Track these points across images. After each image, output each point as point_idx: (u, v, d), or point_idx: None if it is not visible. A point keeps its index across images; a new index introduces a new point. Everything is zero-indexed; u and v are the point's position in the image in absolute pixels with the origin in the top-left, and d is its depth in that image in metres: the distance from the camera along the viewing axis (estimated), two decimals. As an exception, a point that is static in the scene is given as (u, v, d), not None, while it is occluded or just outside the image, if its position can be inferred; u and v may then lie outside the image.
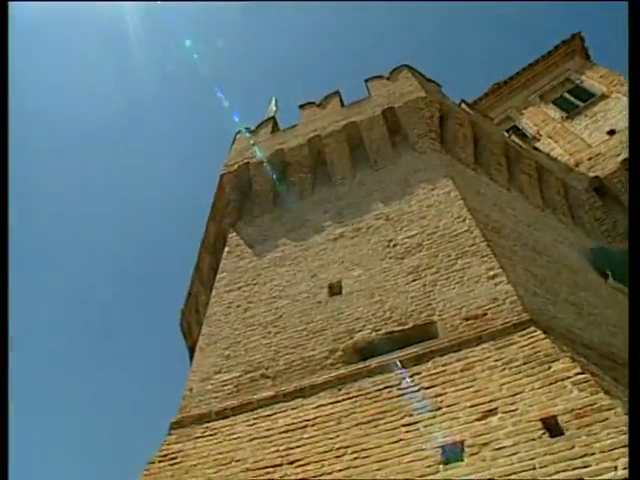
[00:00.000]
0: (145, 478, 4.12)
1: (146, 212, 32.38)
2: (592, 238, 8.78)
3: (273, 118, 10.77)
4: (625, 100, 11.39)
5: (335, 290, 5.96)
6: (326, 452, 3.65)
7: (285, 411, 4.36)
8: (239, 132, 10.61)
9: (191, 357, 7.38)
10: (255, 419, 4.41)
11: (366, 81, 10.27)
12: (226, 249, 7.80)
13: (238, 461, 3.93)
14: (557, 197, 9.05)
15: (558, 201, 9.01)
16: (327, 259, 6.56)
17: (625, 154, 10.01)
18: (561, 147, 11.43)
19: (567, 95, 13.06)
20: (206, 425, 4.60)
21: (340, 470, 3.44)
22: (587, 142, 11.09)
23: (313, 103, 10.38)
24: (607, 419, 3.08)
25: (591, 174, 10.15)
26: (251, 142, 9.90)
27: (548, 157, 10.65)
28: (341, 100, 10.13)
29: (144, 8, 27.15)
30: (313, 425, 4.03)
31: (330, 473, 3.44)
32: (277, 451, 3.86)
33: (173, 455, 4.32)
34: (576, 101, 12.67)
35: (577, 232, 8.60)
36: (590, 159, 10.52)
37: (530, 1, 30.68)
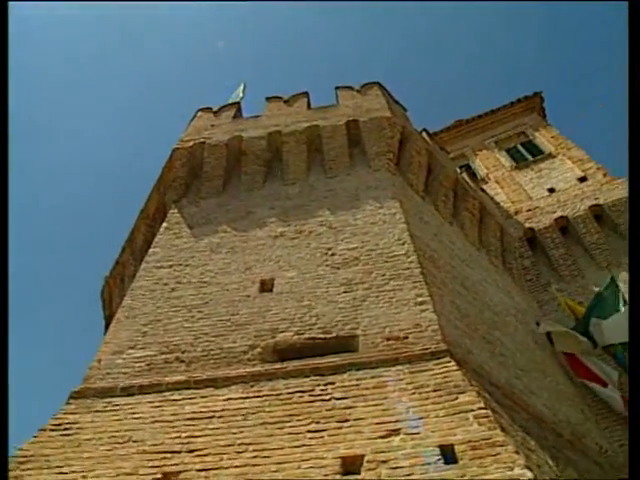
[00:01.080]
0: (30, 445, 3.89)
1: (91, 169, 31.09)
2: (517, 284, 9.26)
3: (238, 103, 10.64)
4: (569, 163, 12.14)
5: (266, 287, 5.94)
6: (228, 446, 3.61)
7: (194, 398, 4.28)
8: (200, 109, 10.41)
9: (107, 328, 7.12)
10: (161, 401, 4.29)
11: (336, 88, 10.34)
12: (164, 224, 7.58)
13: (135, 442, 3.80)
14: (493, 240, 9.47)
15: (493, 244, 9.43)
16: (264, 255, 6.53)
17: (560, 212, 10.65)
18: (505, 194, 12.00)
19: (520, 147, 13.76)
20: (109, 400, 4.42)
21: (238, 466, 3.41)
22: (529, 194, 11.71)
23: (280, 98, 10.33)
24: (498, 454, 3.24)
25: (527, 225, 10.71)
26: (210, 123, 9.73)
27: (492, 200, 11.14)
28: (309, 102, 10.15)
29: None
30: (219, 417, 3.98)
31: (227, 468, 3.40)
32: (178, 437, 3.78)
33: (67, 425, 4.11)
34: (526, 154, 13.37)
35: (505, 276, 9.03)
36: (529, 211, 11.11)
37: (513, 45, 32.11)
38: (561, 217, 10.57)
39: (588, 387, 7.32)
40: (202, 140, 9.04)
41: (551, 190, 11.58)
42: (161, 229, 7.50)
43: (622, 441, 6.64)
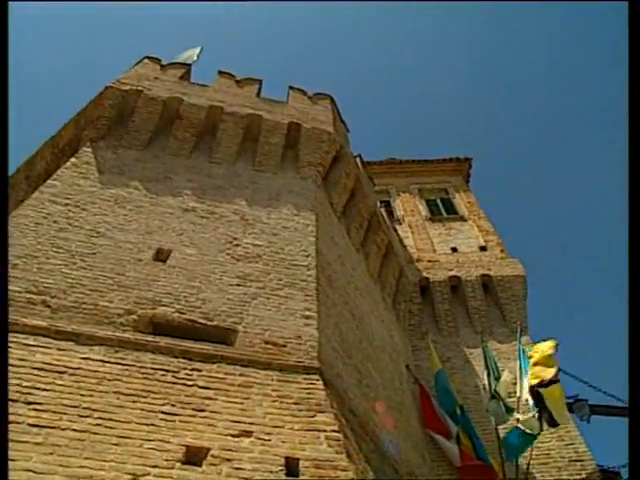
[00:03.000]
0: None
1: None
2: (399, 325, 9.68)
3: (189, 66, 10.23)
4: (476, 231, 13.00)
5: (161, 257, 5.71)
6: (71, 407, 3.37)
7: (49, 348, 3.95)
8: (148, 57, 9.89)
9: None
10: (10, 343, 3.93)
11: (290, 88, 10.31)
12: (73, 159, 7.04)
13: (-33, 379, 3.44)
14: (391, 278, 9.85)
15: (390, 282, 9.80)
16: (169, 224, 6.29)
17: (455, 272, 11.32)
18: (414, 239, 12.58)
19: (439, 201, 14.52)
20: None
21: (76, 430, 3.19)
22: (434, 247, 12.36)
23: (233, 76, 10.10)
24: (338, 477, 3.34)
25: (424, 274, 11.28)
26: (155, 75, 9.28)
27: (400, 242, 11.61)
28: (260, 90, 10.00)
29: None
30: (72, 375, 3.70)
31: (64, 429, 3.17)
32: (18, 386, 3.45)
33: None
34: (443, 210, 14.15)
35: (391, 315, 9.40)
36: (429, 262, 11.71)
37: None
38: (455, 276, 11.25)
39: (432, 437, 7.79)
40: (140, 88, 8.58)
41: (454, 249, 12.32)
42: (68, 163, 6.97)
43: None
